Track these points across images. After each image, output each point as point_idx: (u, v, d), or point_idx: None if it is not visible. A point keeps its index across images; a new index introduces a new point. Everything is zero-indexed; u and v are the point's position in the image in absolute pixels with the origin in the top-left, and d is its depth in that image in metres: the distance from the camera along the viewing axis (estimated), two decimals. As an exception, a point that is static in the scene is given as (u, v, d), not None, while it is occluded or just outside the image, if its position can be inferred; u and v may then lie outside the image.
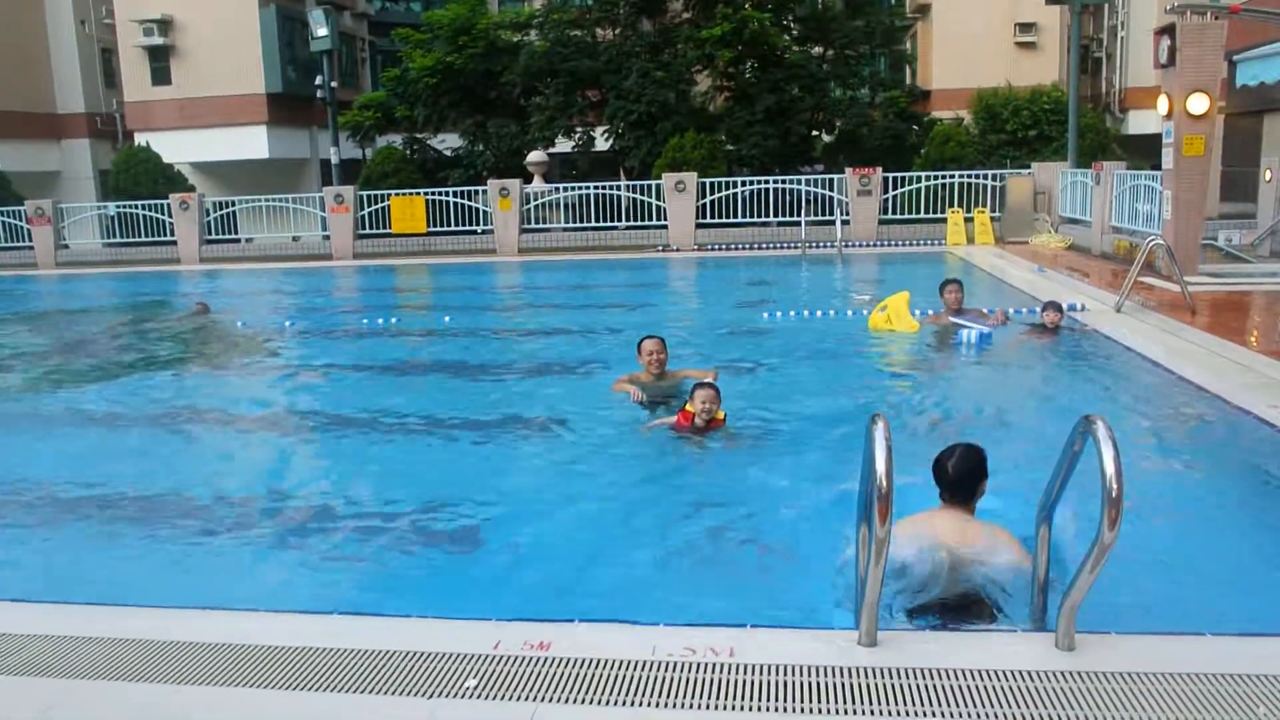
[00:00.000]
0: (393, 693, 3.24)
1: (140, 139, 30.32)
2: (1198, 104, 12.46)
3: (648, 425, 6.92)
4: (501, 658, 3.44)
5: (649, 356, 7.72)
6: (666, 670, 3.32)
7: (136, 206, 24.46)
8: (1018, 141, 25.33)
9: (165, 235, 24.04)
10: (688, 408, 6.58)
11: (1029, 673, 3.25)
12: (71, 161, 35.01)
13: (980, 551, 4.04)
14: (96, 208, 26.29)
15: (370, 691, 3.25)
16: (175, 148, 29.86)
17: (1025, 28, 30.84)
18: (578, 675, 3.31)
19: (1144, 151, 25.29)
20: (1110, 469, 3.14)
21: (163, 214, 24.08)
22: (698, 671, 3.30)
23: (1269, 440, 6.11)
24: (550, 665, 3.38)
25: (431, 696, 3.21)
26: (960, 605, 3.94)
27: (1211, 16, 12.85)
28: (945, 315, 10.35)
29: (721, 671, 3.30)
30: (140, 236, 24.38)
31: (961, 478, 4.22)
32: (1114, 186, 16.53)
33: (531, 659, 3.42)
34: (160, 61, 32.42)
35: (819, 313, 11.91)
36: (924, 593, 3.97)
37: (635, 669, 3.33)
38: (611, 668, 3.35)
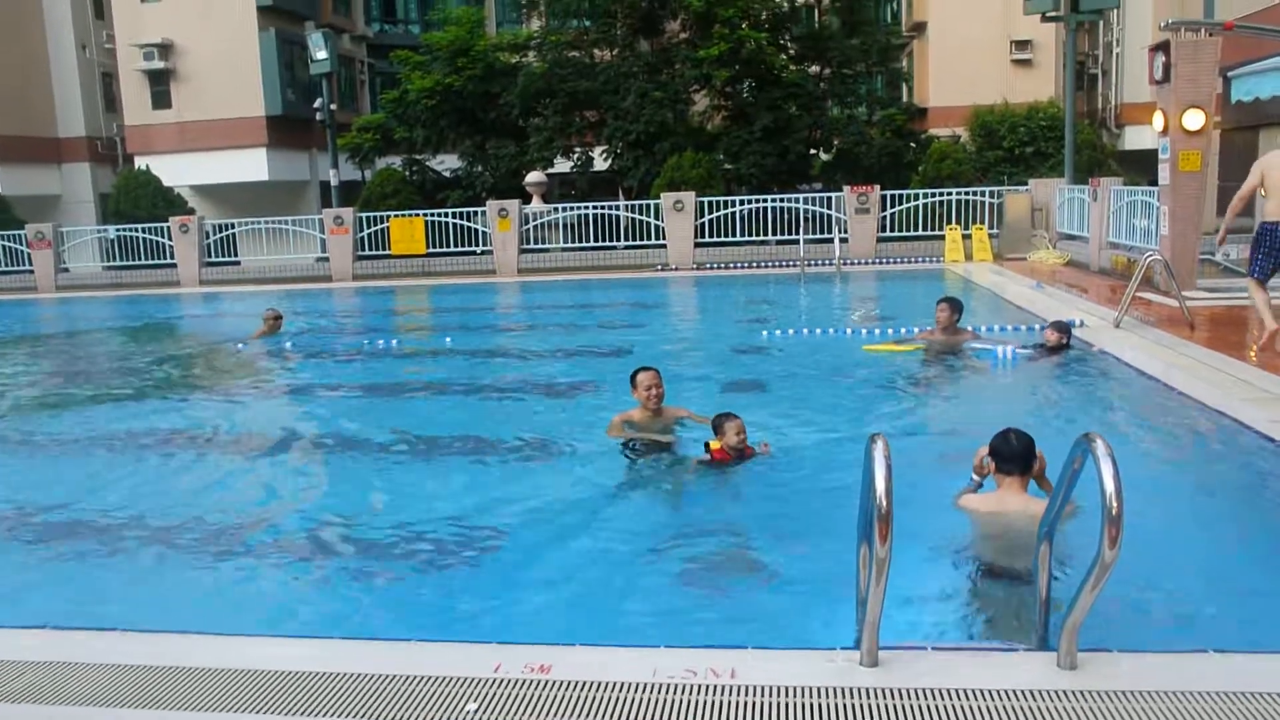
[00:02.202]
0: (392, 717, 3.22)
1: (140, 162, 30.47)
2: (1193, 120, 12.51)
3: (695, 461, 6.44)
4: (502, 680, 3.42)
5: (647, 391, 6.97)
6: (667, 692, 3.31)
7: (136, 230, 24.53)
8: (1015, 158, 25.45)
9: (165, 258, 24.11)
10: (720, 444, 6.25)
11: (1031, 692, 3.24)
12: (72, 185, 35.17)
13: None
14: (96, 231, 26.37)
15: (370, 716, 3.23)
16: (175, 171, 30.02)
17: (1021, 45, 31.03)
18: (579, 698, 3.29)
19: (1141, 167, 25.38)
20: (1110, 487, 3.13)
21: (163, 237, 24.14)
22: (699, 694, 3.29)
23: (1271, 455, 6.10)
24: (551, 688, 3.37)
25: (432, 721, 3.20)
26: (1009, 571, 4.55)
27: (1206, 33, 12.92)
28: (937, 332, 10.37)
29: (722, 693, 3.29)
30: (140, 259, 24.45)
31: (1024, 452, 4.81)
32: (1111, 202, 16.57)
33: (532, 681, 3.41)
34: (160, 85, 32.61)
35: (819, 331, 11.93)
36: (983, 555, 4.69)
37: (636, 691, 3.32)
38: (612, 690, 3.33)
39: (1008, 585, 4.59)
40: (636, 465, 6.67)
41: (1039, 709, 3.14)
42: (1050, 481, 4.77)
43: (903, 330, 11.34)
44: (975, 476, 5.12)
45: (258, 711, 3.29)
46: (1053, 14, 21.58)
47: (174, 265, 23.87)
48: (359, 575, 5.18)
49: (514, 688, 3.37)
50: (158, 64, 32.04)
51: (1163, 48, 12.73)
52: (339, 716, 3.24)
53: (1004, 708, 3.15)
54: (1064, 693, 3.23)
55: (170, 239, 23.93)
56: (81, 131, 35.05)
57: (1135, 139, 31.36)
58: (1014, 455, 4.82)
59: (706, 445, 6.35)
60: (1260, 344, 9.00)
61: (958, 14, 31.19)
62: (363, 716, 3.23)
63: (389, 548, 5.49)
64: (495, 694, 3.34)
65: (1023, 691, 3.24)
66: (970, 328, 10.69)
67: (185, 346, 14.96)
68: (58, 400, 10.67)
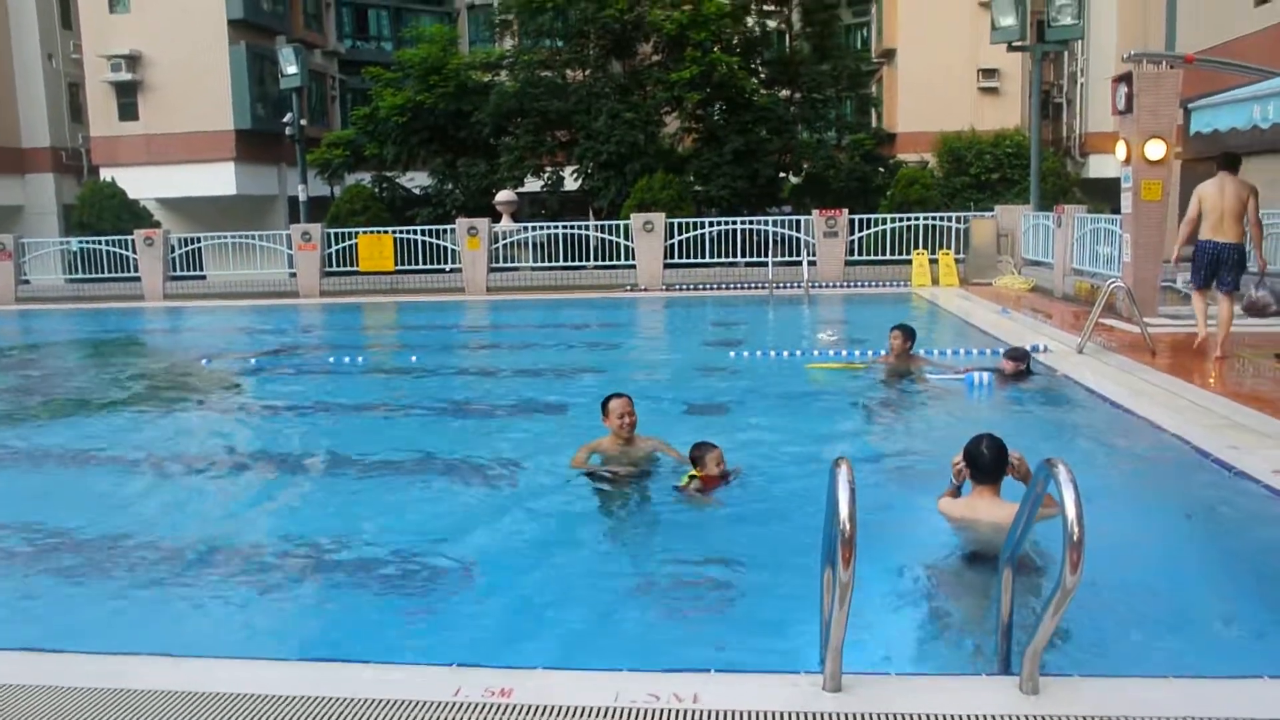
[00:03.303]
0: (349, 742, 3.17)
1: (106, 174, 30.17)
2: (1155, 150, 12.71)
3: (689, 491, 6.21)
4: (462, 705, 3.37)
5: (620, 419, 6.57)
6: (630, 717, 3.27)
7: (100, 242, 24.24)
8: (981, 184, 25.79)
9: (129, 271, 23.82)
10: (705, 472, 6.14)
11: (993, 716, 3.23)
12: (35, 196, 34.72)
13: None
14: (59, 243, 26.03)
15: (326, 741, 3.17)
16: (141, 183, 29.74)
17: (988, 73, 31.51)
18: (539, 722, 3.25)
19: (1104, 195, 25.83)
20: (1072, 512, 3.14)
21: (127, 250, 23.87)
22: (662, 718, 3.26)
23: (1228, 481, 6.17)
24: (512, 713, 3.32)
25: (389, 745, 3.14)
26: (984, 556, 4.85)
27: (1167, 65, 13.16)
28: (890, 358, 10.50)
29: (685, 718, 3.26)
30: (104, 272, 24.15)
31: (996, 460, 5.03)
32: (1075, 229, 16.81)
33: (493, 705, 3.36)
34: (128, 97, 32.33)
35: (785, 353, 11.97)
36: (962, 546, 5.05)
37: (598, 716, 3.28)
38: (574, 715, 3.29)
39: (972, 605, 4.61)
40: (604, 497, 6.42)
41: (1001, 734, 3.13)
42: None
43: (856, 353, 11.50)
44: (955, 480, 5.24)
45: (210, 736, 3.21)
46: (1018, 44, 21.94)
47: (138, 279, 23.59)
48: (314, 597, 5.10)
49: (474, 712, 3.32)
50: (125, 75, 31.77)
51: (1125, 79, 12.95)
52: (294, 741, 3.18)
53: (966, 733, 3.14)
54: (1026, 717, 3.23)
55: (135, 252, 23.67)
56: (46, 142, 34.65)
57: (1099, 167, 31.86)
58: (986, 463, 5.06)
59: (690, 476, 6.20)
60: (1195, 345, 10.43)
61: (927, 42, 31.64)
62: (318, 741, 3.17)
63: (346, 569, 5.42)
64: (455, 718, 3.29)
65: (985, 716, 3.23)
66: (924, 353, 10.81)
67: (147, 362, 14.75)
68: (5, 414, 10.46)
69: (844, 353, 11.69)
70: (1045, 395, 9.38)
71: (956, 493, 5.26)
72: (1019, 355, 9.88)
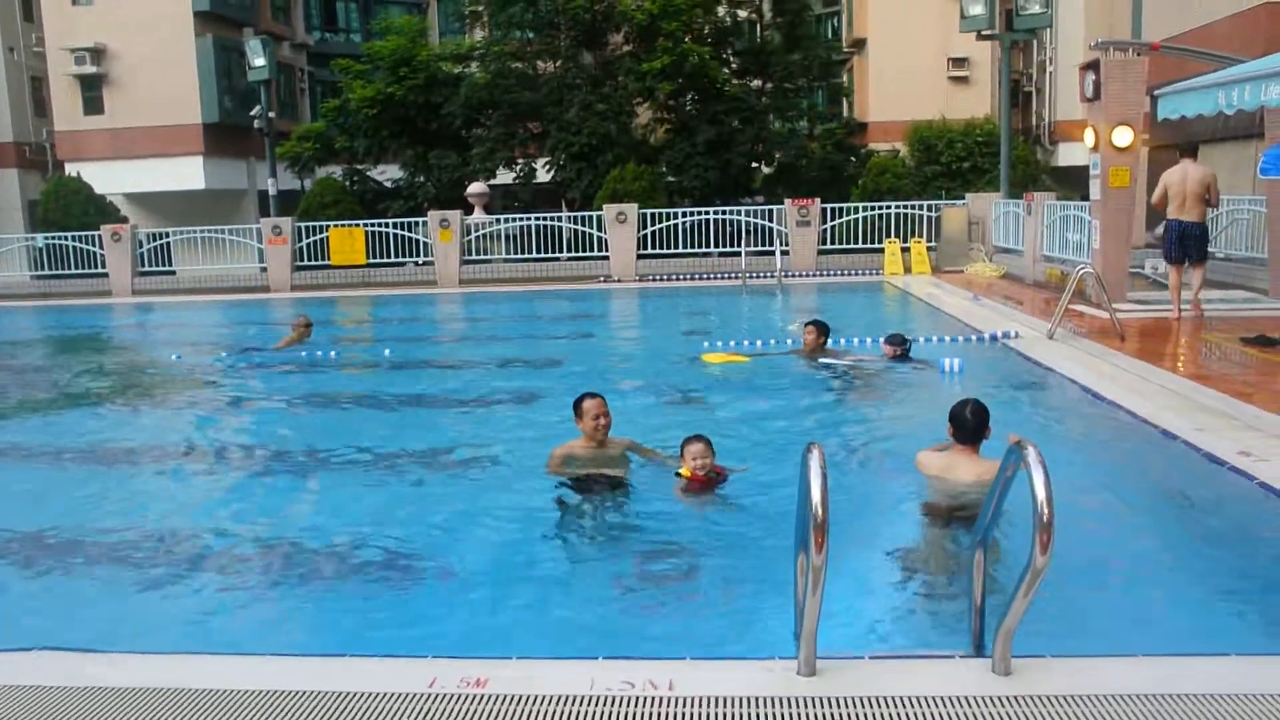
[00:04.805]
0: (324, 735, 3.15)
1: (71, 169, 29.70)
2: (1122, 137, 12.83)
3: (681, 490, 6.09)
4: (438, 695, 3.36)
5: (594, 421, 6.26)
6: (605, 705, 3.27)
7: (66, 238, 23.91)
8: (952, 173, 25.94)
9: (97, 267, 23.51)
10: (687, 470, 6.02)
11: (967, 698, 3.26)
12: (-1, 192, 34.19)
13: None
14: (24, 239, 25.66)
15: (300, 734, 3.15)
16: (107, 178, 29.30)
17: (958, 62, 31.61)
18: (515, 712, 3.25)
19: (1073, 183, 26.02)
20: (1041, 494, 3.17)
21: (94, 246, 23.56)
22: (636, 705, 3.26)
23: (1195, 462, 6.24)
24: (487, 702, 3.31)
25: (364, 738, 3.13)
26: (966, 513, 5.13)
27: (1134, 53, 13.28)
28: (804, 351, 10.71)
29: (660, 705, 3.26)
30: (70, 269, 23.83)
31: (978, 424, 5.49)
32: (1045, 217, 16.94)
33: (468, 696, 3.35)
34: (92, 90, 31.84)
35: (759, 343, 11.99)
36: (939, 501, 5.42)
37: (574, 704, 3.28)
38: (550, 703, 3.29)
39: (944, 586, 4.65)
40: (578, 496, 6.18)
41: (975, 715, 3.16)
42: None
43: (772, 342, 11.74)
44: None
45: (183, 731, 3.19)
46: (987, 32, 22.06)
47: (105, 275, 23.29)
48: (288, 590, 5.07)
49: (449, 702, 3.31)
50: (89, 69, 31.27)
51: (1093, 66, 13.04)
52: (268, 735, 3.15)
53: (941, 714, 3.17)
54: (999, 698, 3.26)
55: (102, 248, 23.36)
56: (9, 137, 34.08)
57: (1068, 155, 32.05)
58: (969, 425, 5.51)
59: (677, 473, 6.12)
60: (1174, 316, 11.67)
61: (897, 31, 31.68)
62: (293, 735, 3.15)
63: (320, 561, 5.39)
64: (430, 709, 3.28)
65: (959, 698, 3.26)
66: (834, 344, 10.99)
67: (115, 357, 14.58)
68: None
69: (746, 343, 11.84)
70: (1017, 380, 9.46)
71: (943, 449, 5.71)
72: (897, 340, 10.36)
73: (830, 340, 10.76)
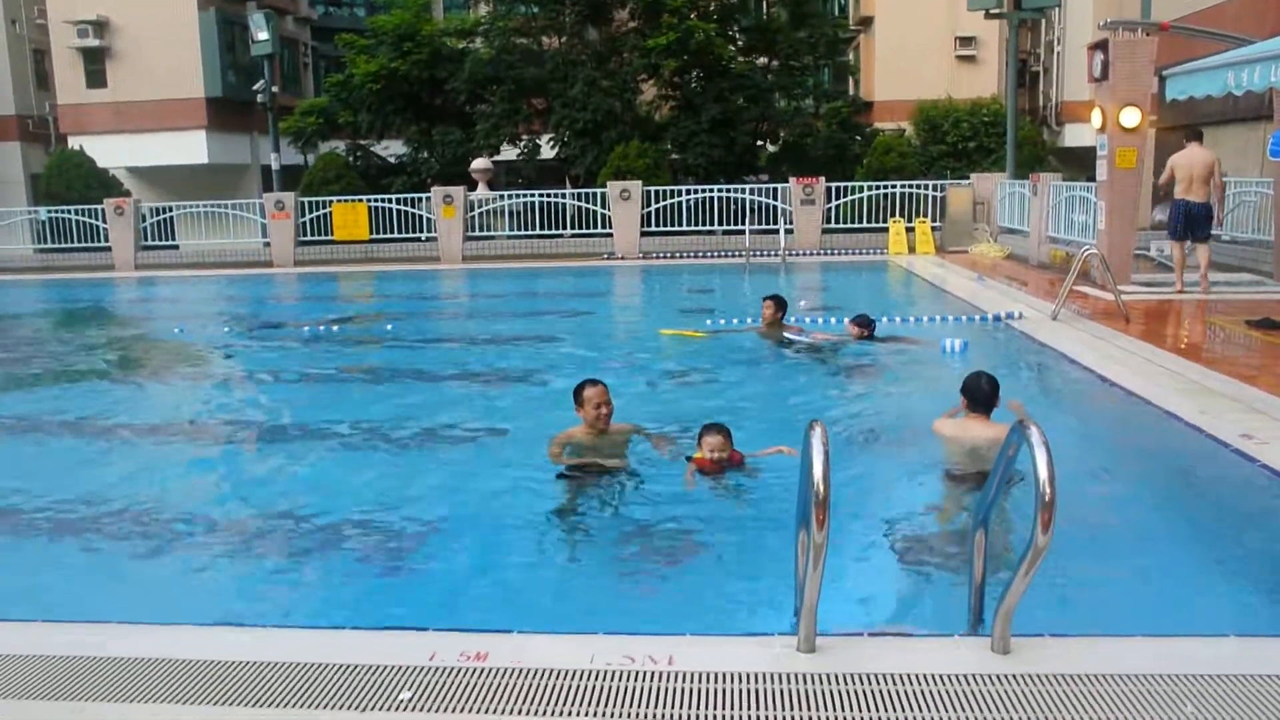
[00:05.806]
0: (325, 707, 3.16)
1: (74, 142, 29.60)
2: (1130, 117, 12.75)
3: (689, 478, 5.91)
4: (437, 669, 3.37)
5: (596, 410, 6.10)
6: (605, 679, 3.28)
7: (69, 212, 23.86)
8: (958, 153, 25.81)
9: (100, 241, 23.49)
10: (700, 455, 5.92)
11: (966, 676, 3.26)
12: (1, 165, 34.05)
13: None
14: (27, 213, 25.62)
15: (302, 706, 3.16)
16: (110, 152, 29.20)
17: (965, 41, 31.40)
18: (515, 685, 3.26)
19: (1079, 164, 25.90)
20: (1044, 474, 3.17)
21: (97, 219, 23.52)
22: (636, 680, 3.27)
23: (1198, 443, 6.24)
24: (487, 676, 3.32)
25: (365, 710, 3.14)
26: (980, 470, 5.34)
27: (1143, 33, 13.18)
28: (762, 326, 10.74)
29: (660, 680, 3.27)
30: (73, 242, 23.80)
31: (989, 395, 5.91)
32: (1050, 197, 16.86)
33: (468, 669, 3.36)
34: (95, 64, 31.70)
35: (722, 320, 11.92)
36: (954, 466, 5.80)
37: (573, 678, 3.29)
38: (550, 677, 3.30)
39: (945, 564, 4.65)
40: (580, 482, 6.01)
41: (974, 693, 3.17)
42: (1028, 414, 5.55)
43: (734, 321, 11.69)
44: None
45: (184, 702, 3.20)
46: (995, 11, 21.86)
47: (109, 249, 23.26)
48: (290, 563, 5.09)
49: (449, 676, 3.32)
50: (92, 41, 31.12)
51: (1101, 46, 12.94)
52: (269, 707, 3.16)
53: (940, 692, 3.17)
54: (998, 676, 3.26)
55: (105, 222, 23.32)
56: (11, 110, 33.93)
57: (1075, 136, 31.88)
58: (980, 396, 5.92)
59: (688, 458, 6.06)
60: (1176, 289, 12.20)
61: (904, 9, 31.46)
62: (294, 706, 3.16)
63: (321, 535, 5.40)
64: (430, 682, 3.28)
65: (958, 676, 3.27)
66: (794, 320, 11.10)
67: (118, 331, 14.58)
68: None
69: (734, 321, 11.78)
70: (1021, 361, 9.44)
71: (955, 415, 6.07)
72: (864, 321, 10.36)
73: (789, 318, 10.87)
